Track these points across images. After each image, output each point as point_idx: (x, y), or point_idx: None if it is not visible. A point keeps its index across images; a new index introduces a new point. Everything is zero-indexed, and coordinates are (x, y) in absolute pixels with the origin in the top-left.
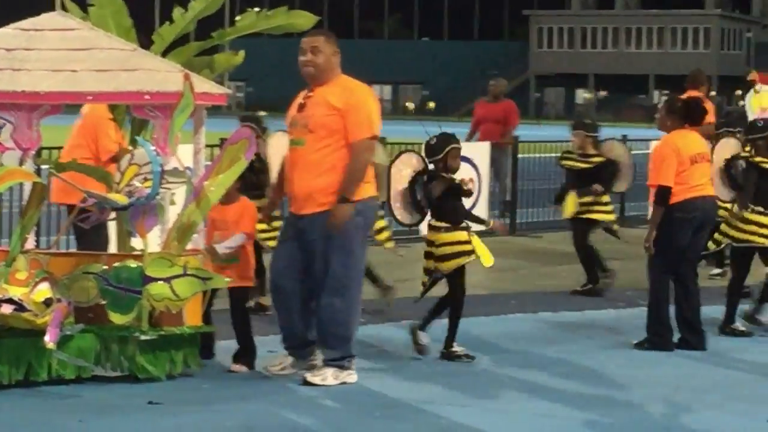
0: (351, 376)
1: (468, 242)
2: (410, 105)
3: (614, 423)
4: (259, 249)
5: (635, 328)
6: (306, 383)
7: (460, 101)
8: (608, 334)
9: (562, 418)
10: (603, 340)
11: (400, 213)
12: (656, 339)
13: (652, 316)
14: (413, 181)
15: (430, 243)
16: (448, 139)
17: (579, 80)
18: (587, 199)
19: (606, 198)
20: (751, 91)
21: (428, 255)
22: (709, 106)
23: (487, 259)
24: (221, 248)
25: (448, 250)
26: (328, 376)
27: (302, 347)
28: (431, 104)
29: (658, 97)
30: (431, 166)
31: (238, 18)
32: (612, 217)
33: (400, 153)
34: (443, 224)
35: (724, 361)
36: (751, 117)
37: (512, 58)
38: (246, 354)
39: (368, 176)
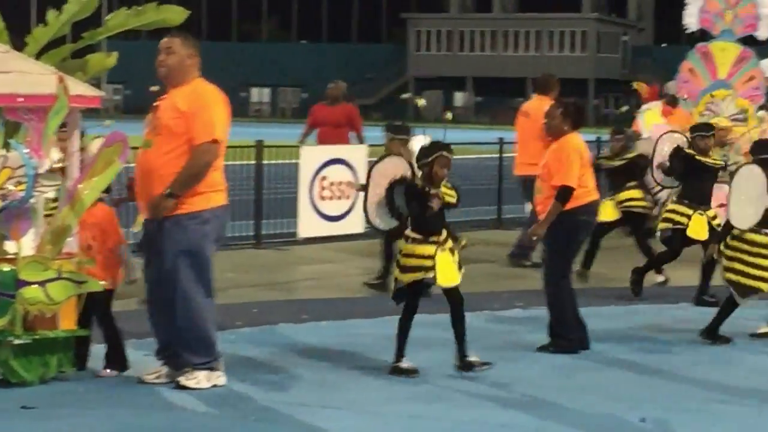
0: (221, 378)
1: (431, 257)
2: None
3: (487, 423)
4: None
5: (512, 330)
6: (180, 387)
7: None
8: (486, 336)
9: (435, 419)
10: (481, 341)
11: (374, 217)
12: (563, 342)
13: (557, 320)
14: (391, 187)
15: (399, 251)
16: (438, 145)
17: (457, 83)
18: None
19: None
20: (641, 110)
21: (396, 263)
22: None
23: (446, 278)
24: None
25: (409, 262)
26: (201, 379)
27: (177, 356)
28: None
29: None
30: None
31: (108, 17)
32: None
33: (384, 156)
34: (416, 235)
35: (604, 361)
36: (645, 135)
37: (391, 61)
38: (116, 357)
39: (219, 184)
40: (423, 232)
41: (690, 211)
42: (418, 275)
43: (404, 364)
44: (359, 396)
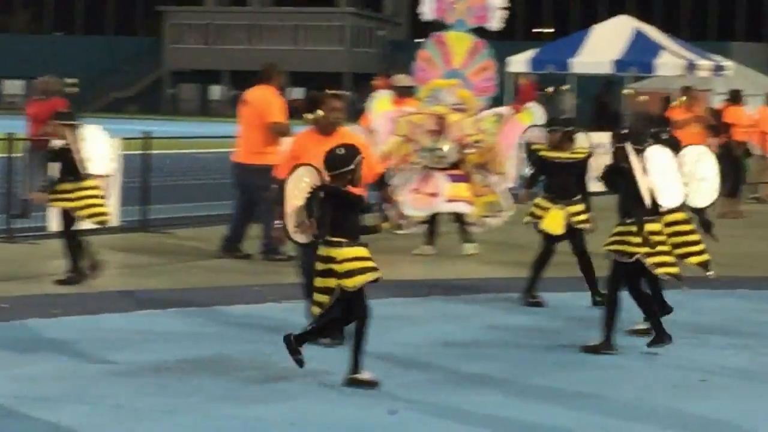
0: None
1: (370, 258)
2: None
3: (239, 417)
4: None
5: (292, 323)
6: None
7: (95, 96)
8: (264, 328)
9: (188, 413)
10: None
11: (295, 232)
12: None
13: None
14: (310, 197)
15: (330, 260)
16: (356, 149)
17: (214, 76)
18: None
19: (67, 186)
20: (373, 96)
21: (328, 273)
22: (280, 101)
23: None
24: None
25: (353, 265)
26: None
27: None
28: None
29: (290, 94)
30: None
31: None
32: (74, 204)
33: (297, 166)
34: (343, 239)
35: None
36: (376, 121)
37: (146, 54)
38: None
39: None
40: (350, 236)
41: (549, 205)
42: (368, 276)
43: (366, 375)
44: (109, 391)
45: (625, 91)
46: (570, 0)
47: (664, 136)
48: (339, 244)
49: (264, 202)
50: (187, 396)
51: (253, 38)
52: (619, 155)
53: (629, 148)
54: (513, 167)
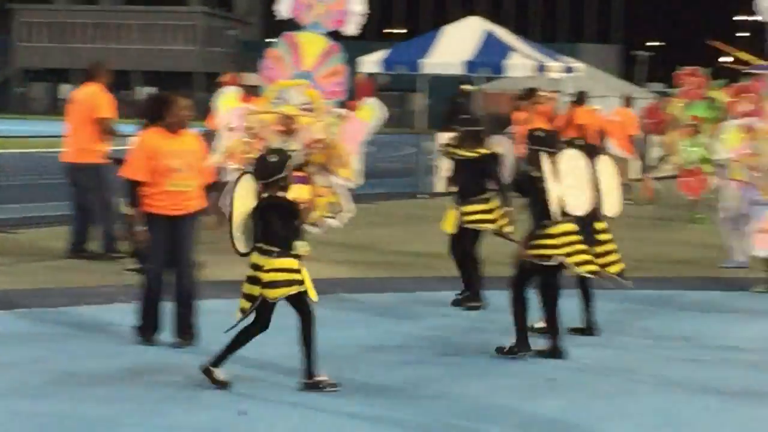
0: None
1: (298, 271)
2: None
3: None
4: None
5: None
6: None
7: None
8: (113, 329)
9: (47, 415)
10: (104, 335)
11: (240, 241)
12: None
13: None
14: (257, 208)
15: (257, 267)
16: (286, 154)
17: (64, 75)
18: None
19: None
20: (220, 92)
21: (253, 280)
22: (108, 97)
23: (313, 293)
24: None
25: (278, 276)
26: None
27: None
28: None
29: (141, 94)
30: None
31: None
32: None
33: (243, 174)
34: (275, 248)
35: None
36: (221, 117)
37: None
38: None
39: None
40: (283, 245)
41: (450, 204)
42: (291, 289)
43: (221, 375)
44: None
45: (463, 86)
46: (421, 1)
47: (579, 143)
48: (270, 253)
49: (97, 200)
50: (35, 398)
51: (104, 36)
52: (531, 159)
53: (542, 154)
54: (357, 165)
